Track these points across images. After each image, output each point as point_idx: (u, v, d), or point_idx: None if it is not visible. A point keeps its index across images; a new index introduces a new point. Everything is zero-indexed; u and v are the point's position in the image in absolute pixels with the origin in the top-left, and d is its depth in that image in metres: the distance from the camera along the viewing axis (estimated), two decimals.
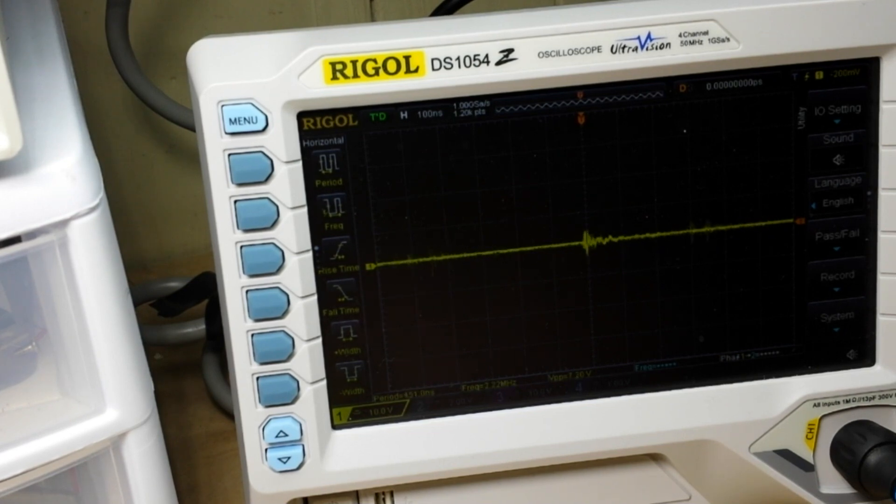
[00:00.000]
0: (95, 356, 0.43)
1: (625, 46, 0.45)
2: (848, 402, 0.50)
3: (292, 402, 0.47)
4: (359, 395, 0.48)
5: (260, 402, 0.47)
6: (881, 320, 0.49)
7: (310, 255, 0.46)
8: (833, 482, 0.51)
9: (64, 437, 0.43)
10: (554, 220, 0.47)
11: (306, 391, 0.47)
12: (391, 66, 0.44)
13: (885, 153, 0.47)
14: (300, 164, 0.45)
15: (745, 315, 0.49)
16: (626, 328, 0.49)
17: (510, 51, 0.44)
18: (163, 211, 0.81)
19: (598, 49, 0.45)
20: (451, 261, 0.47)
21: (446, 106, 0.45)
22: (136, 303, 0.60)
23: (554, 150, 0.46)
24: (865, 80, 0.47)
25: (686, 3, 0.45)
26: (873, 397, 0.50)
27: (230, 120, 0.44)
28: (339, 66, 0.44)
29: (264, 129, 0.44)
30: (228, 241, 0.45)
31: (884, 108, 0.47)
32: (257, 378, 0.46)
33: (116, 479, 0.46)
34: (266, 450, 0.47)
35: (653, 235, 0.48)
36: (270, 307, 0.45)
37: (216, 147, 0.44)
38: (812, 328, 0.49)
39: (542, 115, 0.46)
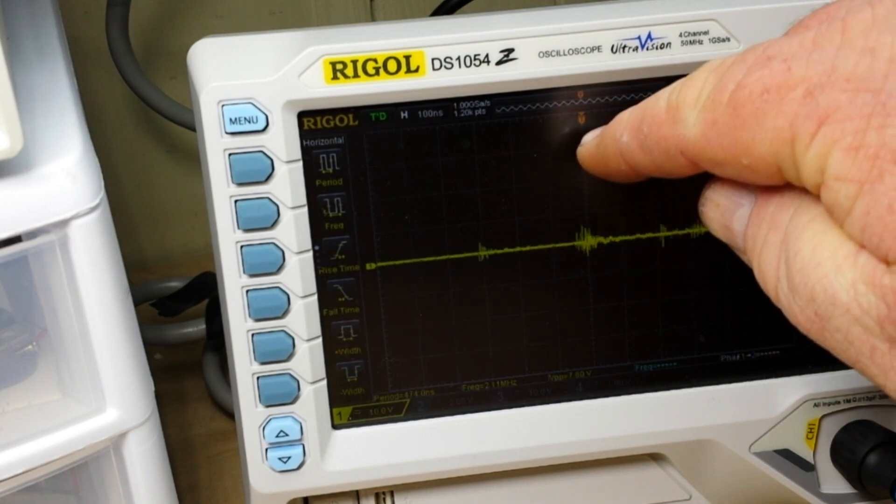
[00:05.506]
0: (96, 356, 0.43)
1: (625, 46, 0.45)
2: (848, 401, 0.50)
3: (292, 402, 0.47)
4: (359, 395, 0.48)
5: (260, 401, 0.47)
6: None
7: (310, 254, 0.46)
8: (833, 482, 0.51)
9: (64, 436, 0.43)
10: (554, 220, 0.47)
11: (306, 391, 0.47)
12: (391, 65, 0.44)
13: None
14: (300, 163, 0.45)
15: (745, 315, 0.49)
16: (626, 328, 0.49)
17: (510, 51, 0.44)
18: (163, 211, 0.81)
19: (599, 49, 0.45)
20: (451, 261, 0.47)
21: (446, 106, 0.45)
22: (137, 303, 0.60)
23: (554, 149, 0.46)
24: None
25: (686, 3, 0.45)
26: (873, 397, 0.50)
27: (230, 120, 0.44)
28: (339, 66, 0.44)
29: (264, 129, 0.44)
30: (229, 240, 0.45)
31: None
32: (257, 378, 0.46)
33: (117, 478, 0.46)
34: (266, 449, 0.47)
35: (653, 235, 0.48)
36: (271, 307, 0.45)
37: (216, 147, 0.44)
38: None
39: (542, 115, 0.46)
